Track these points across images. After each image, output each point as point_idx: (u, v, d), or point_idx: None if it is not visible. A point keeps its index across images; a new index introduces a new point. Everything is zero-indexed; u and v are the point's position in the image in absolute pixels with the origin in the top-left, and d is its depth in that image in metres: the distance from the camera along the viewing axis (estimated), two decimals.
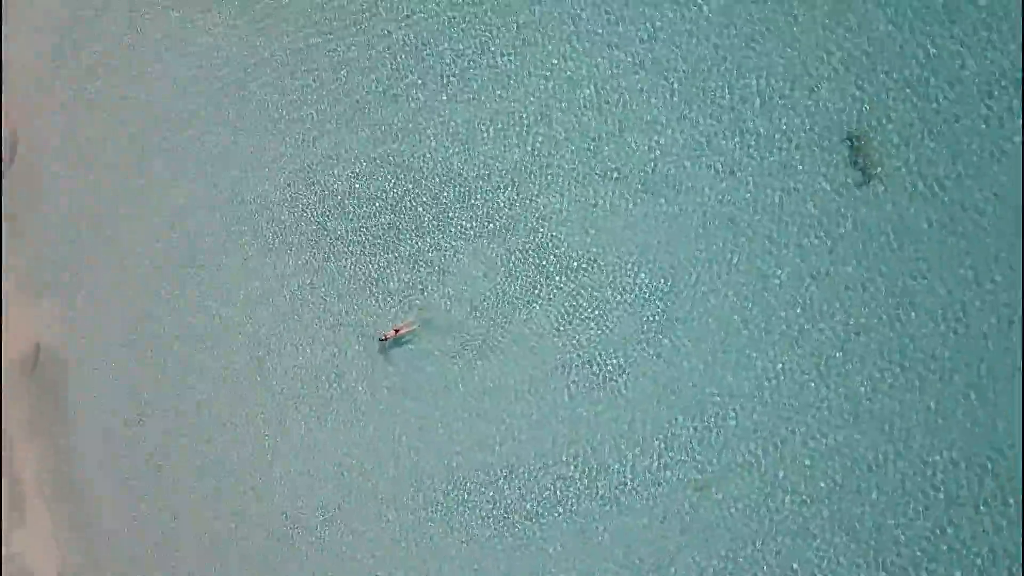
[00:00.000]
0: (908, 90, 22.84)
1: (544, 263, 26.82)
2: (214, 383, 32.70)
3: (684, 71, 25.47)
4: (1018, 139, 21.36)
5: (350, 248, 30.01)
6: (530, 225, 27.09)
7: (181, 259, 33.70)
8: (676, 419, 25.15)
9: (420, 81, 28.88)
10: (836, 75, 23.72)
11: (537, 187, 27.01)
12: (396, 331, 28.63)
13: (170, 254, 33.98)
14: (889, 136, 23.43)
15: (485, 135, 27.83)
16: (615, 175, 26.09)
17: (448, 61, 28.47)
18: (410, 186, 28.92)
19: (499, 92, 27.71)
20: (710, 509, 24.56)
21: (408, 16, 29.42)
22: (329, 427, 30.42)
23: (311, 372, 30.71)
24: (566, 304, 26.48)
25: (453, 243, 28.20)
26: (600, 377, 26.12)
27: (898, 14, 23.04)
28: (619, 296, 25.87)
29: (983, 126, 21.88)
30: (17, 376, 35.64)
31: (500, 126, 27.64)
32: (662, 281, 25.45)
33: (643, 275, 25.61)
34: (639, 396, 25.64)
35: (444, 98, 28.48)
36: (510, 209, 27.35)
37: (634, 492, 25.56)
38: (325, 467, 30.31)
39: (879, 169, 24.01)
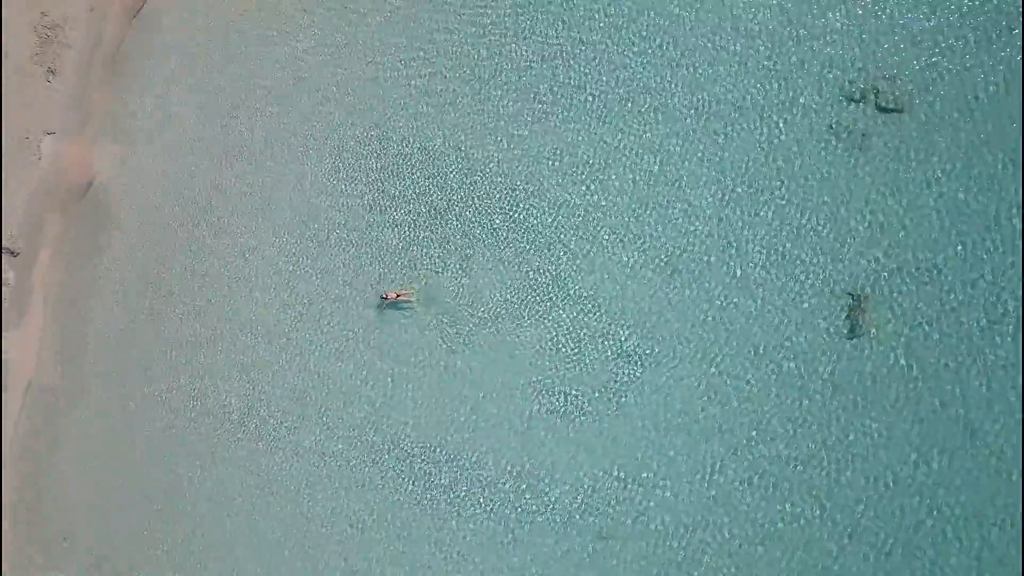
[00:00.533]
0: (914, 272, 25.23)
1: (552, 293, 29.22)
2: (225, 263, 35.25)
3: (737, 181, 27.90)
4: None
5: (398, 208, 32.40)
6: (555, 257, 29.46)
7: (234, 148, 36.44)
8: (610, 472, 27.62)
9: (513, 100, 31.20)
10: (855, 239, 26.16)
11: (575, 227, 29.39)
12: (396, 295, 31.12)
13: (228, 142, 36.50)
14: (885, 305, 25.80)
15: (551, 167, 30.17)
16: (645, 247, 28.49)
17: (547, 90, 30.77)
18: (470, 180, 31.26)
19: (578, 137, 30.03)
20: (604, 559, 27.10)
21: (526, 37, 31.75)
22: (315, 351, 32.96)
23: (319, 304, 33.24)
24: (557, 336, 28.93)
25: (483, 243, 30.59)
26: (561, 409, 28.58)
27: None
28: (604, 348, 28.31)
29: (976, 314, 24.24)
30: (64, 196, 38.28)
31: (567, 165, 30.02)
32: (646, 355, 27.85)
33: (632, 341, 27.98)
34: (586, 439, 28.11)
35: (530, 120, 30.81)
36: (544, 237, 29.72)
37: (547, 521, 28.13)
38: (298, 378, 32.99)
39: (873, 331, 26.42)
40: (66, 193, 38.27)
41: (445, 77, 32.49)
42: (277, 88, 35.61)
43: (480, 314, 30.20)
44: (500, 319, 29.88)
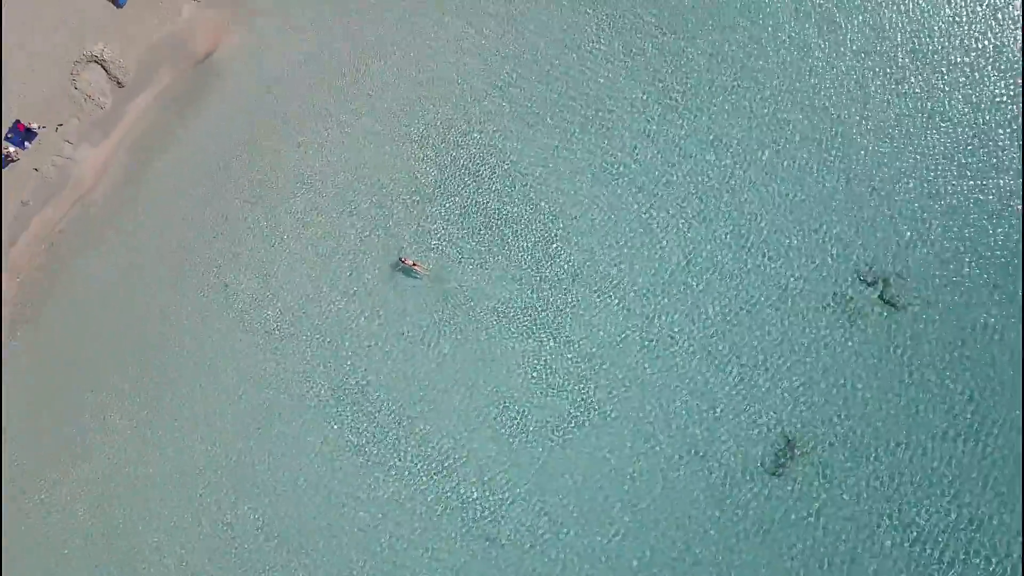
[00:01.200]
0: (851, 444, 28.75)
1: (547, 324, 32.67)
2: (294, 165, 38.77)
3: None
4: None
5: (448, 195, 35.91)
6: (562, 295, 32.94)
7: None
8: (528, 495, 30.88)
9: (590, 156, 35.01)
10: (813, 393, 29.63)
11: (589, 281, 33.01)
12: (413, 263, 34.61)
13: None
14: (813, 461, 29.19)
15: (591, 222, 33.88)
16: (642, 328, 32.02)
17: (622, 165, 34.65)
18: (517, 202, 34.84)
19: (627, 214, 33.77)
20: (483, 557, 30.41)
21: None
22: (329, 273, 36.19)
23: (349, 232, 36.71)
24: (535, 362, 32.33)
25: (505, 256, 34.12)
26: (511, 425, 31.82)
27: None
28: (569, 391, 31.62)
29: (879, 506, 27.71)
30: (185, 56, 42.05)
31: (605, 228, 33.80)
32: (604, 416, 31.18)
33: (596, 397, 31.38)
34: (521, 459, 31.30)
35: (594, 180, 34.62)
36: (558, 275, 33.22)
37: (454, 510, 31.26)
38: (308, 288, 36.20)
39: (796, 474, 29.78)
40: (187, 54, 42.06)
41: (547, 113, 36.36)
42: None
43: (478, 312, 33.58)
44: (493, 325, 33.25)
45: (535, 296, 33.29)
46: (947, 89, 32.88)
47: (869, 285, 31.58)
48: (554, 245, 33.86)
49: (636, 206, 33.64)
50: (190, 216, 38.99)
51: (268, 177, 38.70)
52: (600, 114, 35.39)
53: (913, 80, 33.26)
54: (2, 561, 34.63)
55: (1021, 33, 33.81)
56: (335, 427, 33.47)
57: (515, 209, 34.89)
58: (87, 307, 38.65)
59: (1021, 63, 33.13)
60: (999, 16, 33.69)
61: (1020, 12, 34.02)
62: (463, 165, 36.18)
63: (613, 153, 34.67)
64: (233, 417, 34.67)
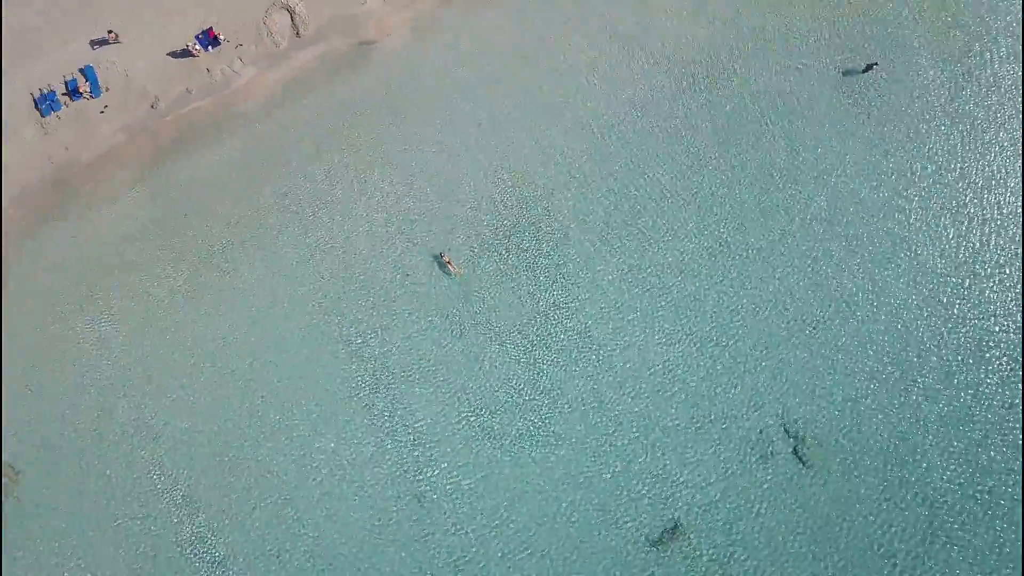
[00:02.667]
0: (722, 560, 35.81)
1: (545, 373, 41.22)
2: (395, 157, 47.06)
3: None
4: None
5: (508, 225, 44.01)
6: (568, 359, 41.42)
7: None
8: (469, 489, 38.49)
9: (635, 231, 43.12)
10: (705, 501, 36.77)
11: (594, 359, 41.45)
12: (449, 262, 42.85)
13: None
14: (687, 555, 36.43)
15: (616, 309, 42.24)
16: (618, 422, 39.75)
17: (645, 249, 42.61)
18: (566, 256, 42.97)
19: (641, 318, 41.80)
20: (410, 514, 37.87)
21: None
22: (378, 253, 44.32)
23: (405, 214, 44.89)
24: (520, 394, 40.72)
25: (533, 295, 42.07)
26: (483, 431, 39.61)
27: None
28: (533, 436, 39.82)
29: None
30: (351, 35, 50.65)
31: (620, 318, 42.02)
32: (557, 471, 38.99)
33: (558, 454, 39.17)
34: (477, 459, 39.07)
35: (633, 284, 42.71)
36: (571, 338, 41.71)
37: (393, 468, 38.81)
38: (358, 262, 44.27)
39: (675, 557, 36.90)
40: (357, 34, 50.74)
41: (610, 219, 44.36)
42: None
43: (494, 328, 41.22)
44: (503, 344, 40.92)
45: (543, 343, 41.25)
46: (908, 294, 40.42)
47: (789, 435, 38.66)
48: (561, 308, 41.59)
49: (636, 319, 41.56)
50: (300, 157, 47.11)
51: (371, 154, 46.94)
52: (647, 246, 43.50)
53: (859, 268, 40.85)
54: None
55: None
56: (339, 382, 41.43)
57: (549, 265, 42.70)
58: (198, 182, 46.86)
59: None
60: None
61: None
62: (528, 213, 44.16)
63: (640, 272, 42.59)
64: (272, 331, 42.69)
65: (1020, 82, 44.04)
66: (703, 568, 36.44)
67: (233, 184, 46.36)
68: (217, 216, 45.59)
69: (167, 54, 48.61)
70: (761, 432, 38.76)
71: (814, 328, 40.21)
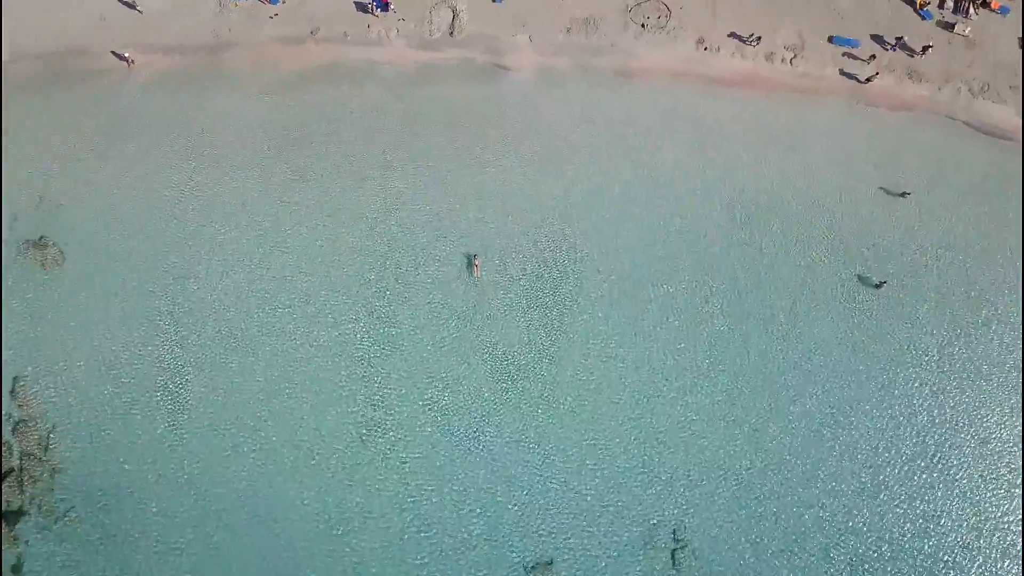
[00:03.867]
0: None
1: (515, 382, 46.12)
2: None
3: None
4: None
5: (538, 257, 50.22)
6: (536, 389, 46.33)
7: None
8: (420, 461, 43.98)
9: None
10: None
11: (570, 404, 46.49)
12: (477, 264, 49.13)
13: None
14: None
15: (599, 361, 47.34)
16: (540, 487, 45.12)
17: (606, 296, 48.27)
18: (575, 307, 48.75)
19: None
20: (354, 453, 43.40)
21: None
22: (422, 242, 50.77)
23: (459, 233, 51.29)
24: (496, 398, 46.13)
25: (539, 319, 47.78)
26: (471, 436, 45.14)
27: None
28: (497, 435, 44.85)
29: None
30: (494, 56, 57.92)
31: (585, 378, 47.34)
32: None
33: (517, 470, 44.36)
34: (440, 441, 44.54)
35: (611, 348, 48.31)
36: (552, 385, 46.95)
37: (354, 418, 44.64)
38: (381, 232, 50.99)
39: None
40: (496, 55, 57.98)
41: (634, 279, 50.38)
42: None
43: (481, 335, 47.18)
44: (480, 356, 46.78)
45: (506, 367, 46.95)
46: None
47: (676, 540, 43.55)
48: (561, 344, 47.37)
49: (599, 397, 47.30)
50: (403, 129, 53.92)
51: (460, 155, 53.59)
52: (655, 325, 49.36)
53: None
54: None
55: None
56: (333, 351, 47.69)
57: (553, 308, 48.64)
58: (324, 109, 54.05)
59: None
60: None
61: None
62: (560, 260, 50.32)
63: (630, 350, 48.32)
64: (327, 237, 49.52)
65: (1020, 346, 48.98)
66: None
67: (350, 125, 53.44)
68: (332, 142, 52.79)
69: None
70: (655, 523, 43.70)
71: (741, 473, 45.26)
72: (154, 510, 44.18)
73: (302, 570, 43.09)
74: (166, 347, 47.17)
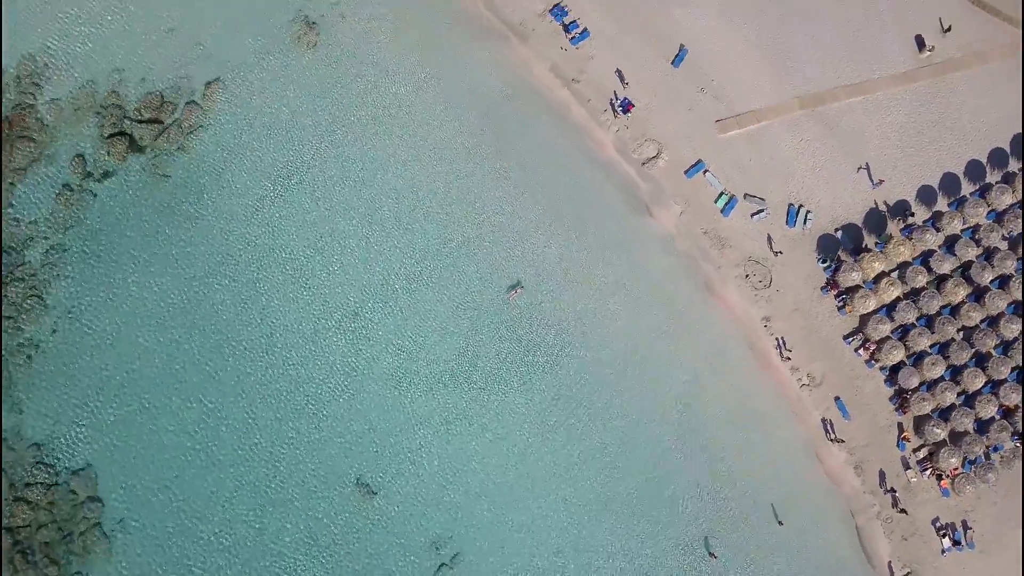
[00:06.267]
0: None
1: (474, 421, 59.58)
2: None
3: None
4: None
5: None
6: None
7: None
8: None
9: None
10: None
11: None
12: (515, 292, 62.69)
13: None
14: None
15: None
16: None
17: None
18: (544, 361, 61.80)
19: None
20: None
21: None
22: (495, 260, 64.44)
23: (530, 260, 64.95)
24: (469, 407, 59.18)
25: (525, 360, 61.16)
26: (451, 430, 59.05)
27: None
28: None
29: None
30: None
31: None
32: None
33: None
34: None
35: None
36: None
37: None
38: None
39: None
40: (660, 203, 71.44)
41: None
42: None
43: (481, 356, 61.05)
44: (468, 375, 60.45)
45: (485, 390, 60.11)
46: None
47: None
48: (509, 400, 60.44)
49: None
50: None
51: (586, 234, 67.36)
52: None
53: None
54: None
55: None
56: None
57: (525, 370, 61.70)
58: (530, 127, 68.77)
59: None
60: None
61: None
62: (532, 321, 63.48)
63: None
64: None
65: None
66: None
67: (536, 136, 68.43)
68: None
69: (614, 71, 70.46)
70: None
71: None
72: None
73: None
74: None
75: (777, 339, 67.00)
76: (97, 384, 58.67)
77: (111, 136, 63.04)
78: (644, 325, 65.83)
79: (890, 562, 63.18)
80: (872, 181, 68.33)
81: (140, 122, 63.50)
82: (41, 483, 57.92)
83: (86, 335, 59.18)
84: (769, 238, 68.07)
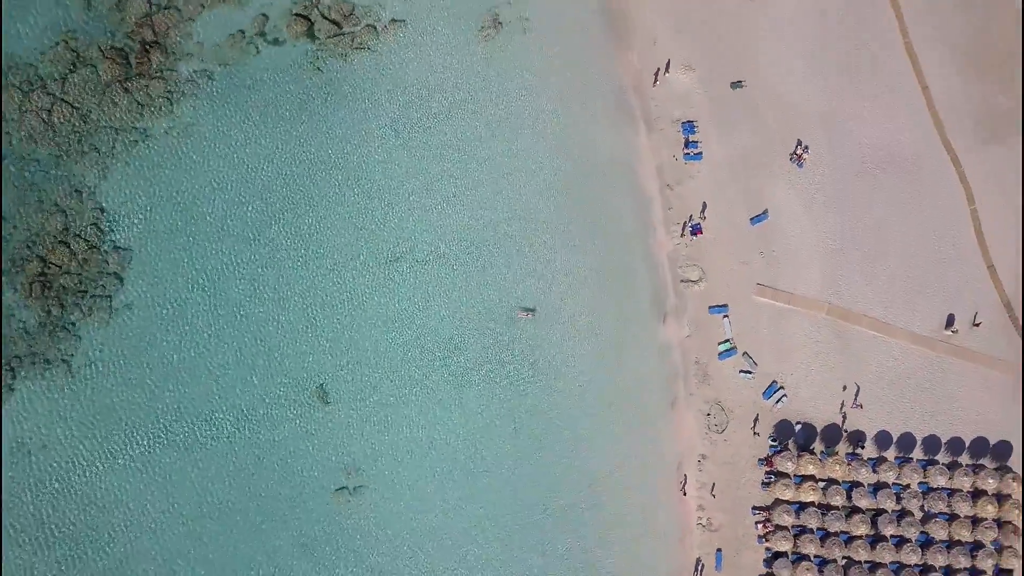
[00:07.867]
0: None
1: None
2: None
3: None
4: None
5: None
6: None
7: None
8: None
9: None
10: None
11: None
12: (526, 314, 70.98)
13: None
14: None
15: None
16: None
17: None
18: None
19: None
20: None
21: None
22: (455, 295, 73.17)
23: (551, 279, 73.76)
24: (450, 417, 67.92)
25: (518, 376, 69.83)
26: (409, 399, 67.33)
27: None
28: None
29: None
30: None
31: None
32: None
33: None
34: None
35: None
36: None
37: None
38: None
39: None
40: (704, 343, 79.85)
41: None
42: None
43: (477, 362, 69.23)
44: (459, 384, 68.85)
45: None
46: None
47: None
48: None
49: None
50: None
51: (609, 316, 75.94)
52: None
53: None
54: None
55: None
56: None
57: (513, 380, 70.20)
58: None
59: None
60: None
61: None
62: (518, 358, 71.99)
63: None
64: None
65: None
66: None
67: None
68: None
69: (703, 198, 79.21)
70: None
71: None
72: None
73: None
74: None
75: (701, 478, 74.93)
76: (171, 194, 67.73)
77: (297, 16, 72.23)
78: (605, 403, 74.04)
79: None
80: (855, 401, 75.81)
81: (325, 18, 72.71)
82: (87, 240, 66.74)
83: (190, 155, 68.50)
84: (744, 398, 76.18)
